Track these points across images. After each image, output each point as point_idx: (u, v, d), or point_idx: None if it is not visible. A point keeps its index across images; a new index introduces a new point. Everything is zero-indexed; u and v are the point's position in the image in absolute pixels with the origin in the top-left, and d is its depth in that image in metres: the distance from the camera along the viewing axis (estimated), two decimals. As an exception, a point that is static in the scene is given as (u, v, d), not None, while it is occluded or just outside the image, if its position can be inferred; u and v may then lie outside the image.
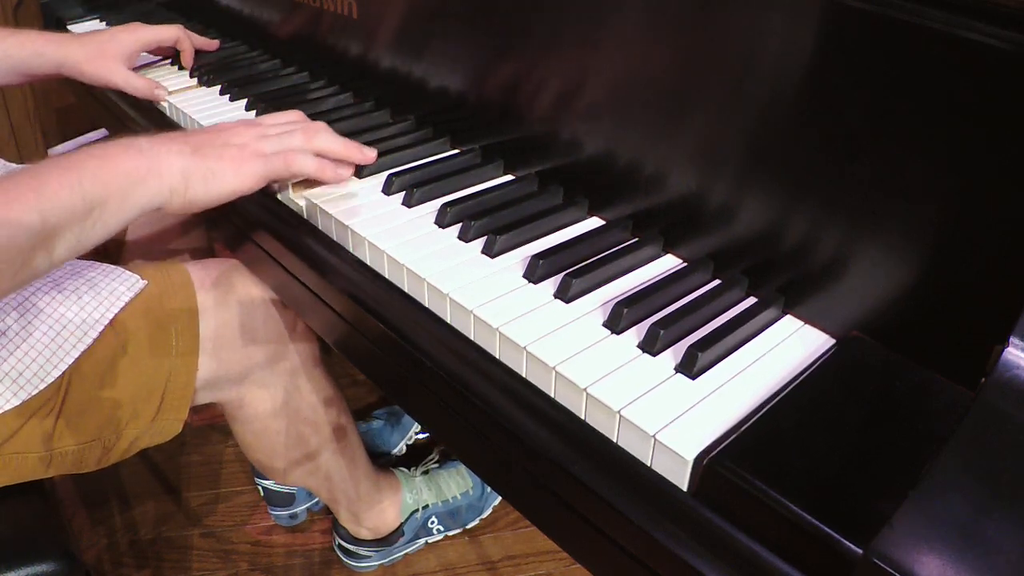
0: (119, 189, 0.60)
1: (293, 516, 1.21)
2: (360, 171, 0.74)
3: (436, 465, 1.21)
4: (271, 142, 0.68)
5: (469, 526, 1.19)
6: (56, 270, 0.74)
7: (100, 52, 0.92)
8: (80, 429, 0.72)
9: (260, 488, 1.20)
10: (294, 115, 0.74)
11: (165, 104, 0.94)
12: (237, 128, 0.70)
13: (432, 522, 1.15)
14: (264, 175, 0.67)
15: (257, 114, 0.88)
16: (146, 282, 0.76)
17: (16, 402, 0.68)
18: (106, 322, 0.72)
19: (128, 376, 0.74)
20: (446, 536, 1.18)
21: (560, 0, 0.63)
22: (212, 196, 0.65)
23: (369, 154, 0.73)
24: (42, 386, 0.68)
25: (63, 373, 0.70)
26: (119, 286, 0.75)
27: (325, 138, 0.70)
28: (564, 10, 0.63)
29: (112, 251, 1.01)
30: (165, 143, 0.64)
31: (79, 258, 0.78)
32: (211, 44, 1.07)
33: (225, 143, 0.67)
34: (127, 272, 0.76)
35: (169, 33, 0.99)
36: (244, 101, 0.92)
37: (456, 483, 1.17)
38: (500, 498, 1.21)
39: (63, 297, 0.72)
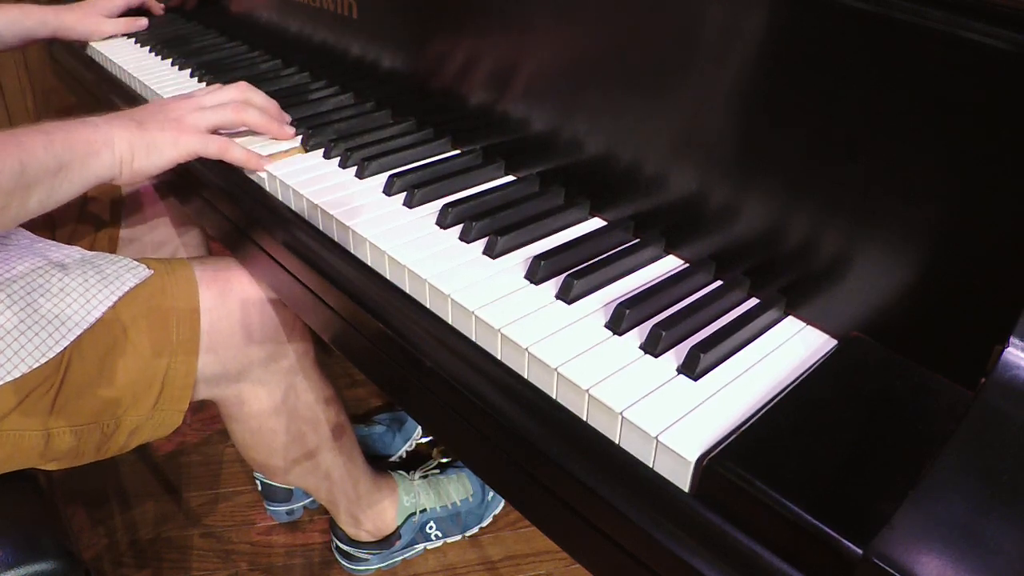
0: (81, 155, 0.70)
1: (290, 512, 1.21)
2: (361, 172, 0.74)
3: (437, 471, 1.21)
4: (207, 117, 0.78)
5: (468, 533, 1.19)
6: (63, 256, 0.76)
7: (90, 11, 1.20)
8: (78, 411, 0.73)
9: (258, 483, 1.20)
10: (229, 94, 0.82)
11: None
12: (173, 103, 0.80)
13: (430, 527, 1.15)
14: (199, 152, 0.77)
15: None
16: (152, 271, 0.77)
17: (17, 374, 0.68)
18: (110, 304, 0.73)
19: (128, 362, 0.74)
20: (445, 543, 1.18)
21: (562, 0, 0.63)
22: (154, 165, 0.75)
23: (288, 131, 0.82)
24: (43, 360, 0.69)
25: (64, 350, 0.70)
26: (125, 272, 0.76)
27: (253, 117, 0.80)
28: (566, 9, 0.63)
29: (107, 249, 1.01)
30: (114, 119, 0.75)
31: (85, 249, 0.79)
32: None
33: (165, 117, 0.77)
34: (133, 261, 0.78)
35: None
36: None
37: (456, 489, 1.17)
38: (501, 506, 1.21)
39: (69, 279, 0.73)
